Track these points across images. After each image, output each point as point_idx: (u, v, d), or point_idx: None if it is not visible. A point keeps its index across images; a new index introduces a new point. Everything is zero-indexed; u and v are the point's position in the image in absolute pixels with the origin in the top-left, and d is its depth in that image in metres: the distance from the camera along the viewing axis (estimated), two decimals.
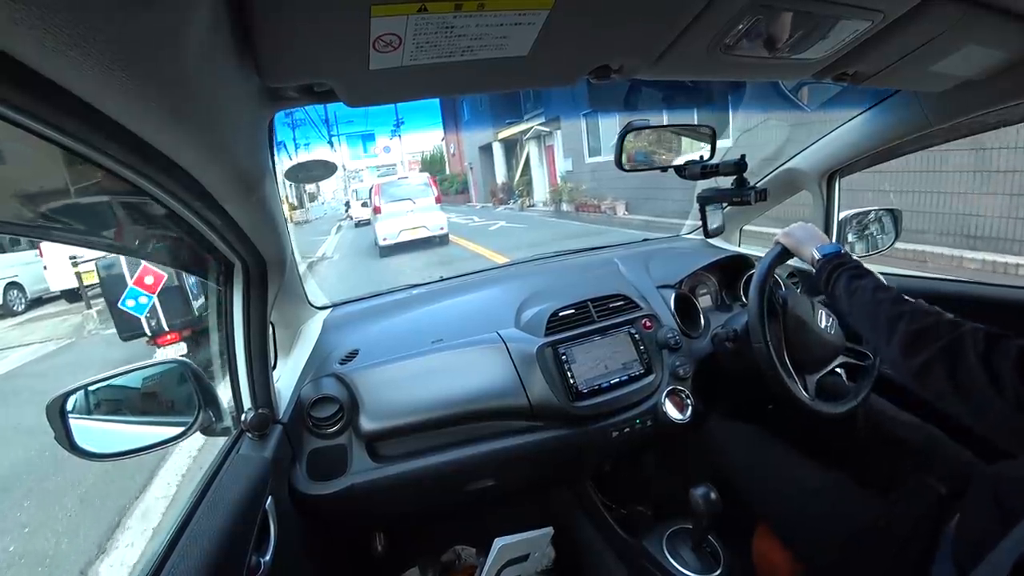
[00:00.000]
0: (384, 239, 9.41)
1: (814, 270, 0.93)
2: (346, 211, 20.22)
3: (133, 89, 0.37)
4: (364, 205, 13.78)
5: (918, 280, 1.37)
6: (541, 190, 15.73)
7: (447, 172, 26.90)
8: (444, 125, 24.23)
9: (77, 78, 0.34)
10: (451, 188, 24.75)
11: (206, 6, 0.38)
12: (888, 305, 0.73)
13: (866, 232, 1.45)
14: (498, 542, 1.10)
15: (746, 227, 1.76)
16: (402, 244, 9.36)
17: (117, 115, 0.39)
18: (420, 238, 9.41)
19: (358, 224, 14.99)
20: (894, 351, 0.70)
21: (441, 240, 9.70)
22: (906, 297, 0.76)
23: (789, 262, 1.48)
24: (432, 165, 28.74)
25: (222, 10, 0.41)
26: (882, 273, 1.39)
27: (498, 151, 18.96)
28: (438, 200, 10.33)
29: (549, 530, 1.17)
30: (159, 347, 3.97)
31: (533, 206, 15.55)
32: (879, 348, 0.74)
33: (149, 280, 3.70)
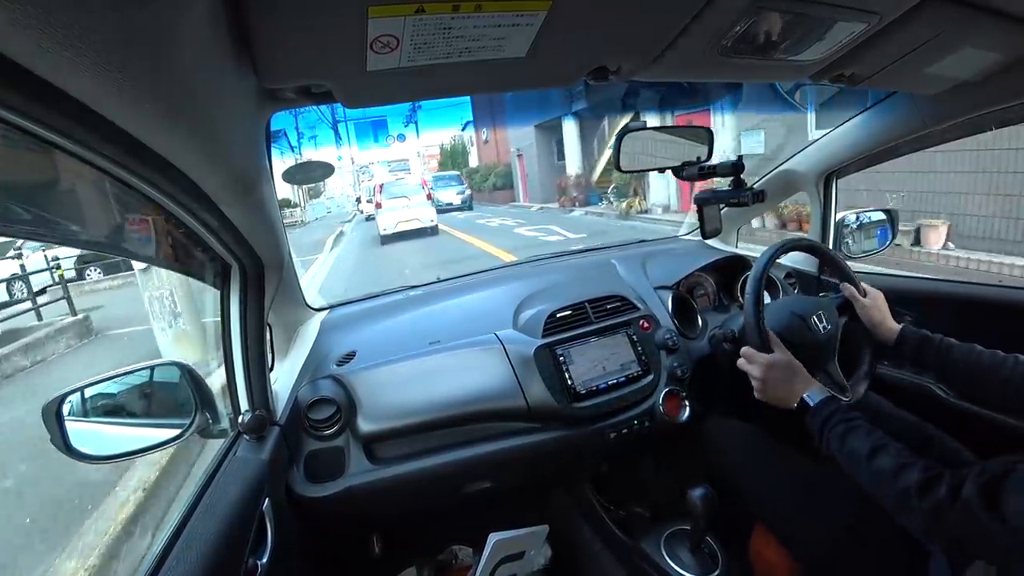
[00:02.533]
0: (384, 229, 11.34)
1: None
2: (357, 206, 21.48)
3: (129, 89, 0.37)
4: (369, 202, 15.78)
5: (918, 280, 1.37)
6: (664, 187, 9.96)
7: (476, 164, 23.15)
8: (473, 105, 20.06)
9: (73, 78, 0.33)
10: (485, 183, 20.59)
11: (202, 6, 0.38)
12: (890, 481, 0.68)
13: (863, 233, 1.45)
14: (493, 537, 1.09)
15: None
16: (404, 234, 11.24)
17: (113, 116, 0.39)
18: (413, 228, 11.30)
19: (368, 218, 16.40)
20: (917, 532, 0.67)
21: (432, 231, 11.50)
22: (905, 454, 0.70)
23: (787, 262, 1.50)
24: (454, 157, 25.47)
25: (219, 10, 0.41)
26: (882, 274, 1.40)
27: (571, 130, 13.70)
28: (429, 197, 12.37)
29: (545, 527, 1.17)
30: None
31: (647, 212, 10.20)
32: (898, 520, 0.70)
33: None
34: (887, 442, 0.73)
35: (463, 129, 24.70)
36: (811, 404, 0.84)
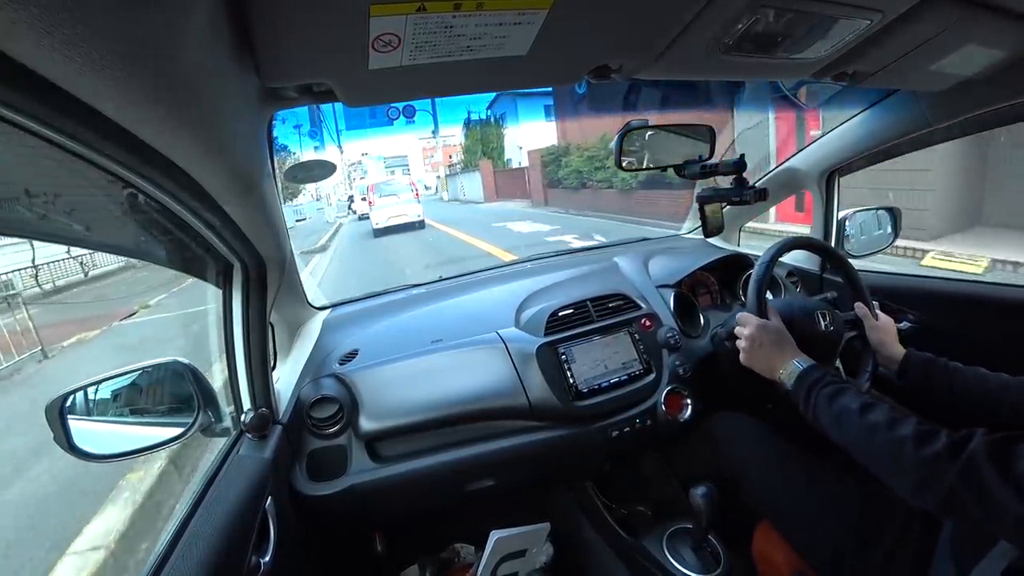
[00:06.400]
0: (376, 224, 13.17)
1: (787, 388, 0.85)
2: (350, 204, 20.15)
3: (131, 89, 0.37)
4: (363, 199, 16.58)
5: (918, 280, 1.37)
6: None
7: (557, 142, 14.78)
8: None
9: (75, 78, 0.33)
10: (596, 174, 11.60)
11: (205, 6, 0.38)
12: (884, 431, 0.66)
13: (865, 231, 1.45)
14: (494, 534, 1.09)
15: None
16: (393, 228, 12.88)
17: (115, 115, 0.39)
18: (402, 223, 12.92)
19: (361, 218, 16.97)
20: (907, 487, 0.63)
21: (419, 225, 13.08)
22: (895, 412, 0.68)
23: (789, 261, 1.49)
24: (485, 143, 19.30)
25: (221, 10, 0.41)
26: (882, 273, 1.39)
27: None
28: (416, 196, 14.08)
29: (546, 525, 1.17)
30: None
31: None
32: (888, 482, 0.66)
33: None
34: (878, 401, 0.71)
35: (489, 108, 19.64)
36: (800, 367, 0.83)
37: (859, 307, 1.05)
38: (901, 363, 0.98)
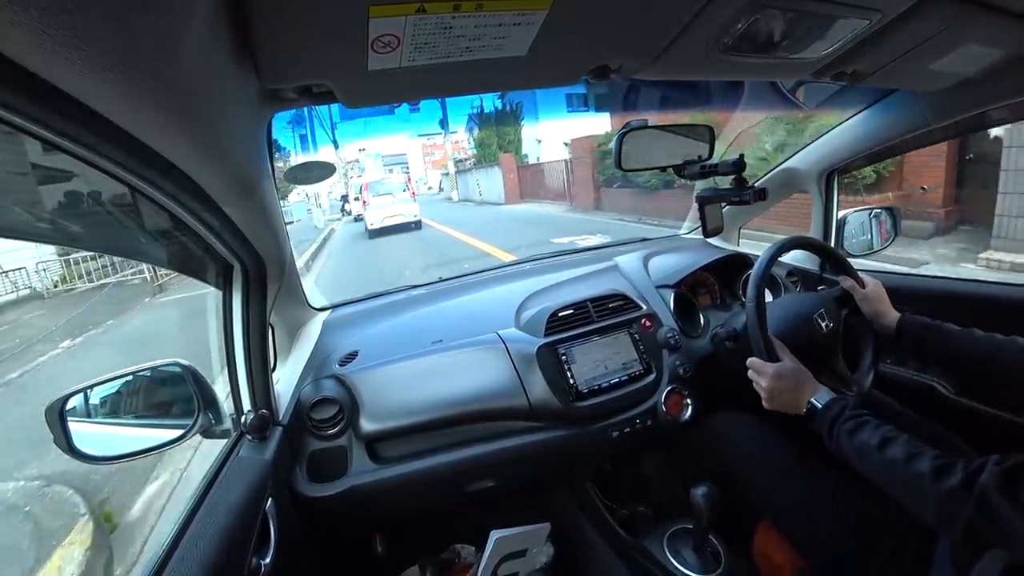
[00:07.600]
0: (372, 224, 12.42)
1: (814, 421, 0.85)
2: (343, 207, 19.07)
3: (131, 92, 0.37)
4: (356, 199, 15.97)
5: (917, 280, 1.37)
6: None
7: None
8: None
9: (76, 80, 0.34)
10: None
11: (205, 9, 0.38)
12: (902, 468, 0.68)
13: (864, 231, 1.45)
14: (494, 535, 1.09)
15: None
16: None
17: (115, 117, 0.39)
18: (398, 223, 12.25)
19: (356, 219, 15.99)
20: (931, 521, 0.66)
21: (416, 225, 12.48)
22: (915, 444, 0.70)
23: (789, 260, 1.49)
24: (502, 137, 17.15)
25: (221, 12, 0.41)
26: (883, 273, 1.40)
27: None
28: (412, 195, 13.34)
29: (546, 525, 1.17)
30: None
31: None
32: (915, 515, 0.68)
33: None
34: (897, 434, 0.73)
35: (501, 98, 17.17)
36: (819, 406, 0.84)
37: (844, 280, 1.06)
38: (897, 327, 0.99)
